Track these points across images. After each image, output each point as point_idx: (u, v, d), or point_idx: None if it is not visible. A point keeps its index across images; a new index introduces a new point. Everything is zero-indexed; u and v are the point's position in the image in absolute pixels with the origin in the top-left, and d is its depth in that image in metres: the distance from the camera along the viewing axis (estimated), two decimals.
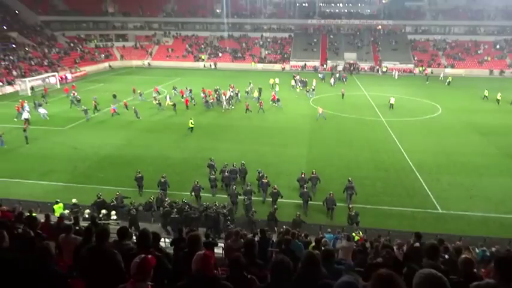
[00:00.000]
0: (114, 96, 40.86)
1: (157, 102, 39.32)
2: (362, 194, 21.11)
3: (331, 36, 76.80)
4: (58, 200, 18.12)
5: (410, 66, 67.54)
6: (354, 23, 78.01)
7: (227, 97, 40.48)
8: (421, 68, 64.82)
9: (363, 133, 32.21)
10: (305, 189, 19.93)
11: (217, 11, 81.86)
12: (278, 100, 40.47)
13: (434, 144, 29.51)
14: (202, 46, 76.41)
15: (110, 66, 69.02)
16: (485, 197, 21.23)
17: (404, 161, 26.11)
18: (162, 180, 20.64)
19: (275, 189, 19.67)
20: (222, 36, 78.62)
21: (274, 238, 13.29)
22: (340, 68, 66.44)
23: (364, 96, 46.44)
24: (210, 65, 70.32)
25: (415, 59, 69.11)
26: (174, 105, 37.96)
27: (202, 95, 41.13)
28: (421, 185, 22.61)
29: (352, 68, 66.51)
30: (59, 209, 17.60)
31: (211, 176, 21.60)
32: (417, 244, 8.53)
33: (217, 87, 43.46)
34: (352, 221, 17.88)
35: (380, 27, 78.35)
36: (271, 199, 19.77)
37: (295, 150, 27.59)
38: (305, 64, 68.65)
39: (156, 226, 17.66)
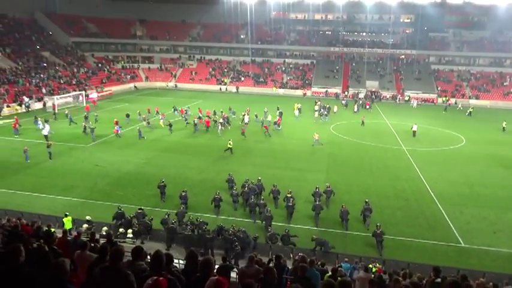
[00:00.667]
0: (127, 115, 41.71)
1: (146, 122, 40.75)
2: (381, 222, 20.55)
3: (354, 64, 77.14)
4: (67, 213, 18.45)
5: (433, 96, 66.85)
6: (376, 52, 78.27)
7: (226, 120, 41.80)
8: (444, 98, 63.99)
9: (383, 161, 31.78)
10: (318, 203, 20.22)
11: (242, 36, 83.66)
12: (278, 124, 41.46)
13: (457, 174, 28.80)
14: (225, 70, 77.82)
15: (135, 86, 70.80)
16: (511, 232, 20.40)
17: (425, 191, 25.49)
18: (183, 193, 21.27)
19: (268, 212, 19.62)
20: (244, 61, 79.99)
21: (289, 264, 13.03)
22: (361, 95, 66.32)
23: (385, 124, 46.05)
24: (226, 88, 71.31)
25: (439, 89, 68.43)
26: (170, 125, 38.77)
27: (196, 119, 40.74)
28: (442, 216, 21.94)
29: (374, 96, 66.18)
30: (67, 222, 17.97)
31: (233, 191, 22.27)
32: (438, 280, 8.20)
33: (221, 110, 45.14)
34: (376, 238, 17.81)
35: (403, 56, 78.31)
36: (264, 223, 19.60)
37: (313, 176, 27.33)
38: (327, 90, 68.70)
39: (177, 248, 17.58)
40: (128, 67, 77.25)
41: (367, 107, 55.93)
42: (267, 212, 19.72)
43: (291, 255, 16.45)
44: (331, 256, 16.72)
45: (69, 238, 10.18)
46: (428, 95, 66.85)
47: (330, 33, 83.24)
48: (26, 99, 49.00)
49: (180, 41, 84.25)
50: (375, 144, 36.66)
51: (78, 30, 77.27)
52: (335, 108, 52.03)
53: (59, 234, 11.66)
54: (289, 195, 21.40)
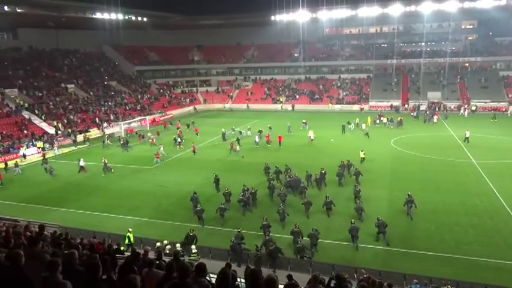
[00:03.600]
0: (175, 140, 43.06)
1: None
2: (452, 241, 19.37)
3: (413, 76, 74.31)
4: (130, 229, 19.42)
5: (504, 104, 62.21)
6: (437, 61, 74.88)
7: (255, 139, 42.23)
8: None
9: (451, 175, 29.86)
10: (353, 224, 19.52)
11: (295, 55, 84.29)
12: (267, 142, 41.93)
13: None
14: (280, 89, 78.50)
15: (195, 108, 73.59)
16: None
17: (501, 207, 23.50)
18: (265, 223, 20.17)
19: (272, 245, 17.56)
20: (299, 79, 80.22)
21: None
22: (423, 107, 63.43)
23: (451, 136, 43.49)
24: (282, 107, 71.60)
25: (510, 96, 63.61)
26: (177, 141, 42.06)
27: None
28: None
29: (441, 108, 62.75)
30: (131, 236, 19.01)
31: (279, 209, 22.22)
32: None
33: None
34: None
35: (467, 64, 74.11)
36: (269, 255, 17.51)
37: (375, 192, 26.35)
38: (392, 104, 66.28)
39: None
40: (187, 91, 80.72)
41: (436, 118, 53.80)
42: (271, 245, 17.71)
43: (355, 275, 15.85)
44: (397, 277, 15.87)
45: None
46: (497, 103, 62.36)
47: (386, 45, 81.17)
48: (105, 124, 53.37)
49: (235, 63, 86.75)
50: (441, 158, 34.68)
51: (141, 59, 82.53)
52: (398, 119, 50.91)
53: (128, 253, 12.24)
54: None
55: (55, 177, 32.71)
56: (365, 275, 13.16)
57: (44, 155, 38.33)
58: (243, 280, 8.83)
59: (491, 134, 43.66)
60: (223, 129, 46.56)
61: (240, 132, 46.42)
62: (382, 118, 53.62)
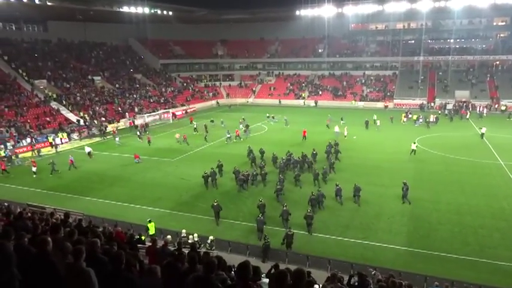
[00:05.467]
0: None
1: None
2: (475, 244, 18.88)
3: (440, 73, 72.37)
4: (150, 220, 20.01)
5: None
6: (466, 59, 72.67)
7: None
8: None
9: (477, 177, 29.04)
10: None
11: (319, 50, 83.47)
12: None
13: None
14: (303, 84, 77.98)
15: (217, 103, 74.00)
16: None
17: None
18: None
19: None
20: (323, 75, 79.44)
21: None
22: (450, 106, 61.77)
23: (478, 136, 42.16)
24: (304, 102, 71.08)
25: None
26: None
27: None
28: None
29: (468, 107, 60.92)
30: (151, 227, 19.55)
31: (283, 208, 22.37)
32: None
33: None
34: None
35: (498, 62, 71.63)
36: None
37: (398, 191, 25.79)
38: (423, 103, 64.35)
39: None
40: (210, 85, 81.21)
41: (467, 116, 53.05)
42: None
43: (373, 274, 15.69)
44: (418, 279, 15.61)
45: (157, 247, 10.82)
46: None
47: (413, 42, 79.30)
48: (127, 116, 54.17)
49: (258, 57, 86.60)
50: (466, 158, 33.75)
51: (166, 53, 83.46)
52: (431, 118, 50.44)
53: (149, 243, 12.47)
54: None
55: (73, 170, 32.87)
56: (378, 274, 12.99)
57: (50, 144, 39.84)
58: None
59: None
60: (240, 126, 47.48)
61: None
62: (409, 115, 52.68)
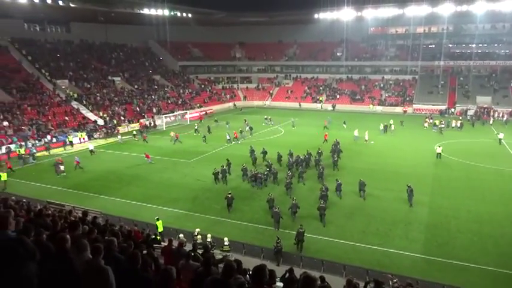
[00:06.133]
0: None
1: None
2: (495, 253, 18.37)
3: (461, 78, 70.92)
4: (158, 217, 20.44)
5: None
6: (488, 64, 71.11)
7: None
8: None
9: (499, 185, 28.33)
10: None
11: (338, 54, 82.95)
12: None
13: None
14: (321, 88, 77.57)
15: (234, 105, 74.22)
16: None
17: None
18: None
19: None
20: (341, 79, 78.89)
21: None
22: (470, 112, 60.51)
23: (501, 144, 41.10)
24: (322, 106, 70.65)
25: None
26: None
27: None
28: None
29: (490, 113, 59.52)
30: (159, 225, 19.96)
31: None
32: None
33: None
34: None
35: None
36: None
37: (416, 198, 25.28)
38: (447, 108, 63.41)
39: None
40: (228, 87, 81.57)
41: (490, 122, 52.63)
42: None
43: (390, 282, 15.43)
44: (435, 287, 15.30)
45: (173, 247, 10.89)
46: None
47: (433, 46, 78.00)
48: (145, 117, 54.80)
49: (276, 60, 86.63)
50: (488, 165, 32.95)
51: (184, 55, 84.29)
52: (454, 123, 50.21)
53: (164, 243, 12.55)
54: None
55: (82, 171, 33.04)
56: (399, 283, 12.78)
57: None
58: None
59: None
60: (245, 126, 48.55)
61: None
62: (431, 121, 51.92)
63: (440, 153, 34.83)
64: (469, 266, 17.47)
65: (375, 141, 42.04)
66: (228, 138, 42.97)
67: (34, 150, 38.04)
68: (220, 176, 29.27)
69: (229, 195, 23.99)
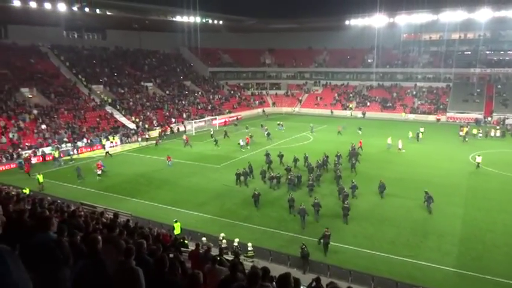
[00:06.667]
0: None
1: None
2: None
3: (499, 86, 68.31)
4: (176, 220, 20.86)
5: None
6: None
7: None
8: None
9: None
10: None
11: (368, 61, 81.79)
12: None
13: None
14: (351, 95, 76.59)
15: (263, 111, 74.26)
16: None
17: None
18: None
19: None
20: (371, 86, 77.66)
21: None
22: (509, 121, 58.10)
23: None
24: (351, 113, 69.62)
25: None
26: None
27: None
28: None
29: None
30: (177, 227, 20.31)
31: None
32: None
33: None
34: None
35: None
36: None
37: (449, 209, 24.64)
38: (483, 117, 61.19)
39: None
40: (257, 93, 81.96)
41: None
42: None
43: None
44: None
45: (200, 251, 10.99)
46: None
47: (469, 53, 75.55)
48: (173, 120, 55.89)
49: (306, 67, 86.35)
50: None
51: (214, 61, 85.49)
52: (492, 132, 48.84)
53: (192, 247, 12.69)
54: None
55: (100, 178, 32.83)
56: None
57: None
58: None
59: None
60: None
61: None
62: (466, 129, 50.04)
63: (479, 163, 33.66)
64: (504, 282, 16.70)
65: (406, 150, 41.05)
66: (242, 144, 43.30)
67: (71, 153, 39.66)
68: (242, 177, 30.36)
69: (256, 192, 25.62)
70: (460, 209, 24.96)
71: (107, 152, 40.51)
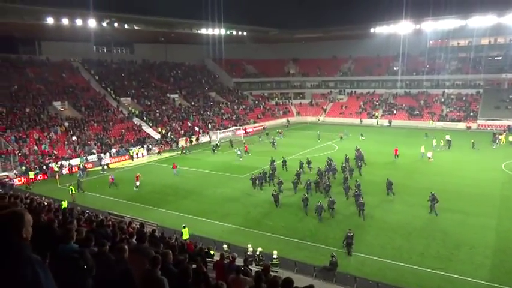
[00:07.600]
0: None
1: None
2: None
3: None
4: (185, 225, 21.31)
5: None
6: None
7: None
8: None
9: None
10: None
11: (394, 68, 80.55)
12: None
13: None
14: (377, 103, 75.50)
15: (288, 121, 74.12)
16: None
17: None
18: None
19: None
20: (398, 94, 76.36)
21: None
22: None
23: None
24: (377, 122, 68.50)
25: None
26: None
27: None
28: None
29: None
30: (185, 232, 20.62)
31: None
32: None
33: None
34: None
35: None
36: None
37: (481, 220, 23.78)
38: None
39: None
40: (281, 103, 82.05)
41: None
42: None
43: None
44: None
45: (225, 262, 11.03)
46: None
47: (500, 58, 73.34)
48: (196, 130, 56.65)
49: (330, 76, 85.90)
50: None
51: (239, 72, 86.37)
52: None
53: (217, 257, 12.75)
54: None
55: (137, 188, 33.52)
56: None
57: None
58: None
59: None
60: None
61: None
62: (500, 137, 48.55)
63: None
64: None
65: (434, 159, 39.99)
66: (239, 153, 43.88)
67: (103, 162, 40.90)
68: (257, 181, 31.77)
69: (275, 193, 27.70)
70: (493, 220, 24.04)
71: (107, 164, 41.30)
